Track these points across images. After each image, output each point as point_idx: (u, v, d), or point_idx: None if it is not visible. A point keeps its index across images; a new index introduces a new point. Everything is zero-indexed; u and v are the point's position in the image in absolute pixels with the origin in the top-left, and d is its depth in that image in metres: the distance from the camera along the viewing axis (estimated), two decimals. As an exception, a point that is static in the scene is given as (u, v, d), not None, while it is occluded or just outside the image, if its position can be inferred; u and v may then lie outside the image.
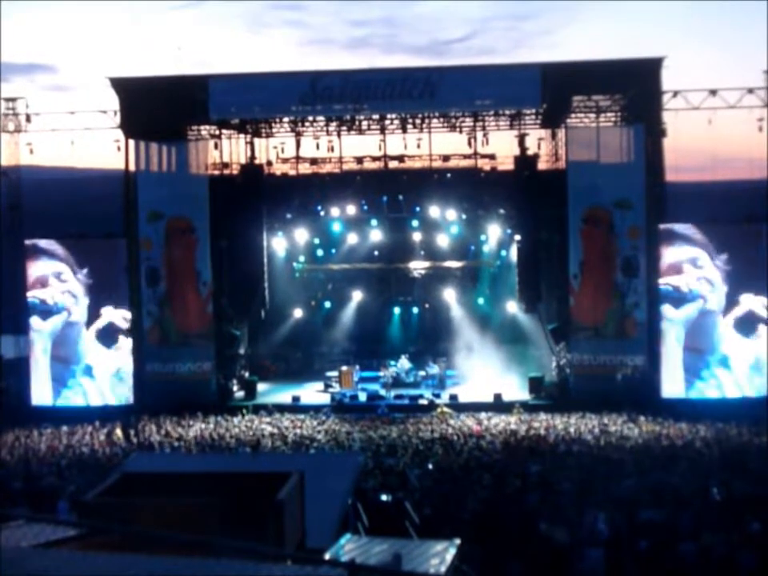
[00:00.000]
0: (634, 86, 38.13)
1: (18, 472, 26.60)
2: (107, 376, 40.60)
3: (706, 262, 38.32)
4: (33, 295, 40.61)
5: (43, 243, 41.00)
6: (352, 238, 45.02)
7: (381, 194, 42.46)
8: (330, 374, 42.84)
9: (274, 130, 43.29)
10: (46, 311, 40.64)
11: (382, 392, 41.19)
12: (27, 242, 41.03)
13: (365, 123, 41.97)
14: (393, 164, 42.46)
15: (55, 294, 40.58)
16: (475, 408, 37.50)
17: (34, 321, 40.62)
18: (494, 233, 44.03)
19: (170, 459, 20.53)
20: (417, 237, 44.84)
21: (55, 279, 40.59)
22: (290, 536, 10.43)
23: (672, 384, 38.46)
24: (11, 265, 40.88)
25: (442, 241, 44.30)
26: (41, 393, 40.82)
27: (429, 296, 47.16)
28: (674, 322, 38.47)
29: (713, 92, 38.13)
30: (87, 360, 40.65)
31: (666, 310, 38.47)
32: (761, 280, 37.70)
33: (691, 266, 38.37)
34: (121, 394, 40.48)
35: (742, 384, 38.30)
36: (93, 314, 40.65)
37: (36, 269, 40.73)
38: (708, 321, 38.46)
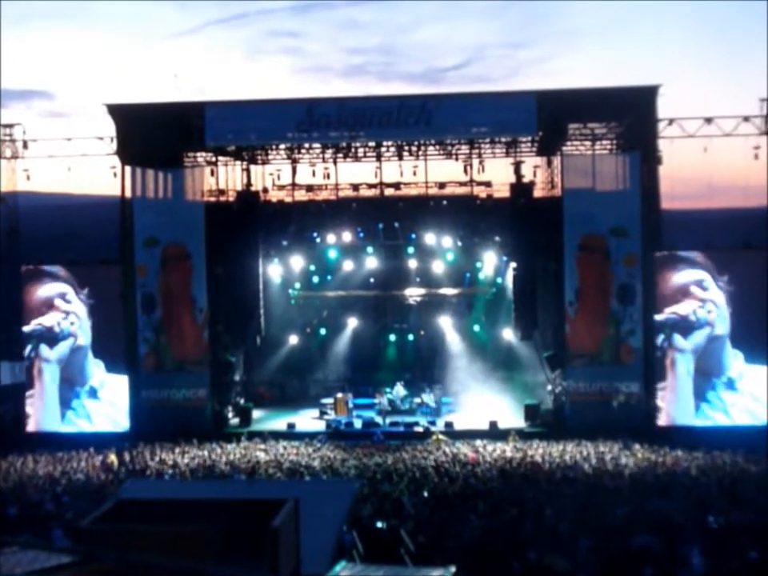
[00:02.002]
0: (629, 114, 38.26)
1: (13, 498, 26.50)
2: (112, 398, 40.58)
3: (710, 284, 38.42)
4: (38, 323, 40.59)
5: (46, 266, 41.05)
6: (348, 265, 45.09)
7: (377, 221, 42.54)
8: (325, 400, 42.81)
9: (270, 157, 43.41)
10: (53, 338, 40.62)
11: (378, 419, 41.15)
12: (30, 266, 41.08)
13: (361, 150, 42.06)
14: (389, 191, 42.53)
15: (61, 320, 40.56)
16: (471, 435, 37.45)
17: (43, 349, 40.60)
18: (489, 260, 44.10)
19: (165, 486, 20.43)
20: (412, 264, 44.89)
21: (61, 300, 40.59)
22: (285, 563, 10.39)
23: (683, 414, 38.52)
24: (8, 291, 40.85)
25: (438, 268, 44.36)
26: (50, 419, 40.74)
27: (424, 323, 47.21)
28: (684, 352, 38.50)
29: (708, 120, 38.29)
30: (92, 382, 40.62)
31: (676, 339, 38.51)
32: (761, 304, 37.80)
33: (698, 288, 38.43)
34: (119, 418, 40.43)
35: (750, 408, 38.31)
36: (96, 336, 40.69)
37: (41, 291, 40.73)
38: (716, 344, 38.53)
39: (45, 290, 40.81)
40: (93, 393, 40.66)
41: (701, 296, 38.56)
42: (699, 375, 38.58)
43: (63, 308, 40.69)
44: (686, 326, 38.56)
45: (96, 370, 40.68)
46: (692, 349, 38.60)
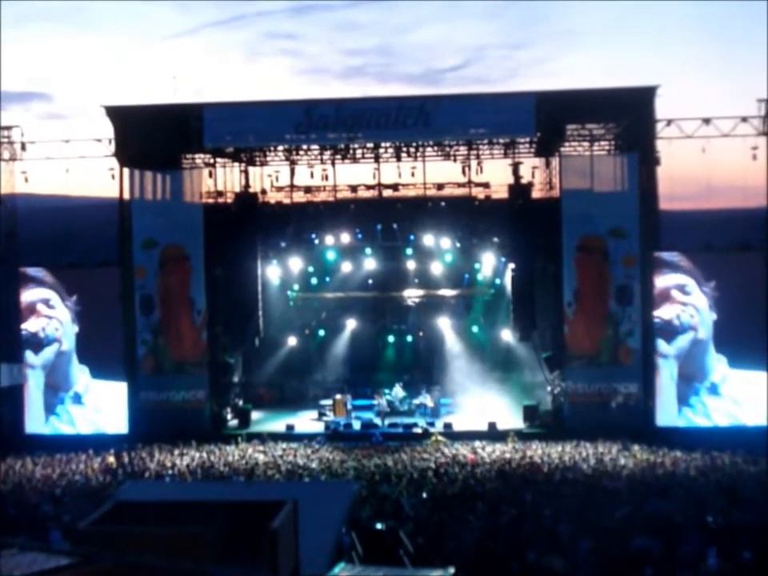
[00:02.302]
0: (627, 115, 38.22)
1: (12, 500, 26.50)
2: (97, 403, 40.51)
3: (693, 289, 38.40)
4: (23, 328, 40.55)
5: (31, 271, 41.00)
6: (346, 267, 45.06)
7: (375, 222, 42.53)
8: (324, 402, 42.77)
9: (268, 159, 43.35)
10: (38, 344, 40.58)
11: (377, 420, 41.13)
12: (20, 269, 41.02)
13: (359, 152, 42.02)
14: (387, 192, 42.50)
15: (45, 325, 40.49)
16: (469, 437, 37.46)
17: (28, 355, 40.56)
18: (488, 261, 44.09)
19: (163, 488, 20.45)
20: (411, 265, 44.86)
21: (44, 306, 40.53)
22: (284, 565, 10.38)
23: (666, 419, 38.47)
24: (6, 293, 40.78)
25: (436, 269, 44.33)
26: (33, 424, 40.72)
27: (423, 324, 47.14)
28: (667, 357, 38.49)
29: (706, 120, 38.24)
30: (76, 388, 40.55)
31: (660, 344, 38.50)
32: (750, 306, 37.77)
33: (679, 293, 38.41)
34: (112, 421, 40.36)
35: (732, 412, 38.27)
36: (82, 342, 40.63)
37: (25, 296, 40.69)
38: (698, 349, 38.48)
39: (28, 295, 40.77)
40: (77, 398, 40.59)
41: (682, 300, 38.51)
42: (682, 380, 38.54)
43: (46, 313, 40.62)
44: (669, 331, 38.53)
45: (81, 376, 40.61)
46: (675, 354, 38.56)
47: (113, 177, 40.21)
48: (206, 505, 11.46)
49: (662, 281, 38.60)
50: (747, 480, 27.73)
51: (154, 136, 38.94)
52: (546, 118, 37.99)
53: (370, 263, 44.82)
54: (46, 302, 40.64)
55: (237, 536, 10.35)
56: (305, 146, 41.46)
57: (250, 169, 43.72)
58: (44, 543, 16.14)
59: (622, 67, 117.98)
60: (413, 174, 41.71)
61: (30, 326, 40.55)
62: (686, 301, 38.45)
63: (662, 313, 38.48)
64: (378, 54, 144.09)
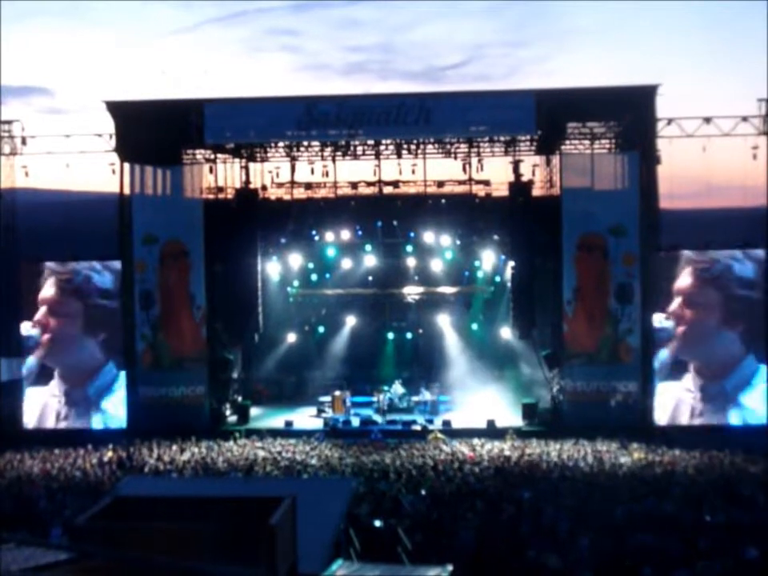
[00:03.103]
0: (628, 114, 38.26)
1: (10, 495, 26.47)
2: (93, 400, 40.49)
3: (699, 290, 38.33)
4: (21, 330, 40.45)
5: (51, 265, 40.73)
6: (346, 263, 45.07)
7: (375, 219, 42.58)
8: (323, 398, 42.79)
9: (268, 155, 43.32)
10: (34, 346, 40.44)
11: (376, 417, 41.16)
12: (30, 263, 40.95)
13: (360, 148, 41.97)
14: (387, 189, 42.46)
15: (41, 323, 40.31)
16: (468, 434, 37.38)
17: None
18: (488, 259, 44.10)
19: (162, 483, 20.45)
20: (411, 262, 44.88)
21: (44, 307, 40.27)
22: (282, 561, 10.38)
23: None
24: (6, 287, 40.75)
25: (437, 266, 44.34)
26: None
27: (423, 321, 47.16)
28: (662, 361, 38.53)
29: (707, 120, 38.27)
30: (81, 386, 40.39)
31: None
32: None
33: (679, 295, 38.37)
34: (110, 418, 40.31)
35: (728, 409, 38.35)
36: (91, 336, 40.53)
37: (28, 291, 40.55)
38: (700, 349, 38.44)
39: (34, 291, 40.64)
40: (78, 396, 40.41)
41: (679, 304, 38.48)
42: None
43: (45, 315, 40.38)
44: (664, 336, 38.58)
45: (94, 372, 40.50)
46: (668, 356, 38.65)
47: (113, 172, 40.24)
48: (205, 500, 11.47)
49: (668, 279, 38.55)
50: (747, 479, 27.72)
51: (154, 131, 38.97)
52: (547, 115, 37.98)
53: (370, 260, 44.84)
54: (50, 303, 40.44)
55: (235, 532, 10.35)
56: (305, 143, 41.39)
57: (251, 165, 43.63)
58: (42, 538, 16.14)
59: (623, 66, 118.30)
60: (413, 171, 41.74)
61: (26, 327, 40.39)
62: (686, 304, 38.38)
63: (659, 316, 38.48)
64: (378, 51, 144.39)
